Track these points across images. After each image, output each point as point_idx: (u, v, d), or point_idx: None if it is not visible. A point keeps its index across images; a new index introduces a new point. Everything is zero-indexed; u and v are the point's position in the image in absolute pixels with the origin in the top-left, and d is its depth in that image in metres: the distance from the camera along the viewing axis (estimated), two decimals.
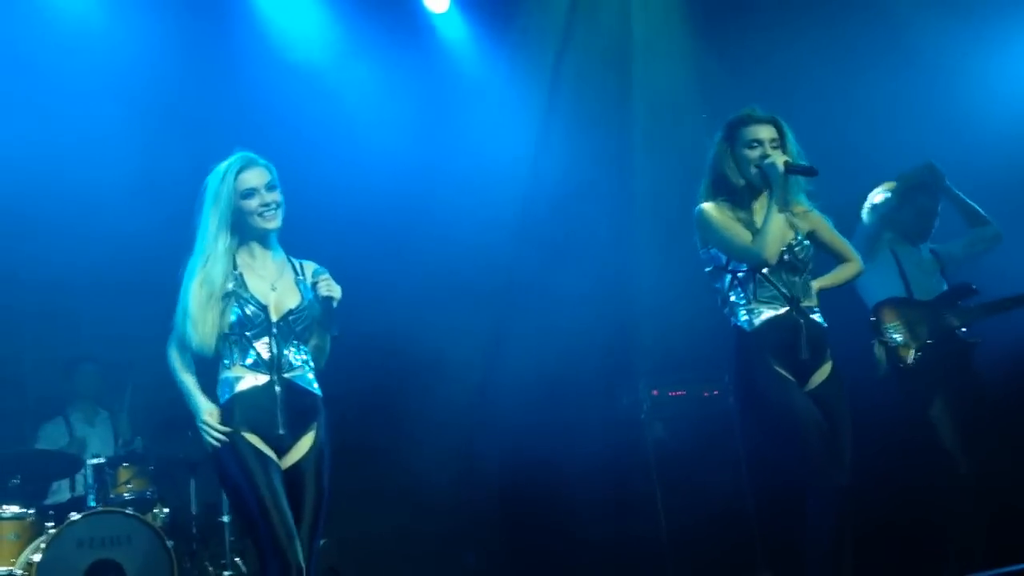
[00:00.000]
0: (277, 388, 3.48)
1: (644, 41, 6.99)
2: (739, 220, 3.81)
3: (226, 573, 5.64)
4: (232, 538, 5.67)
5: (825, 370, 3.81)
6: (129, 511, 5.38)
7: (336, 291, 3.54)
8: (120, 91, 5.93)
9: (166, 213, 5.62)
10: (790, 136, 3.84)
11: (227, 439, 3.41)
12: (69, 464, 5.78)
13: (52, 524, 5.29)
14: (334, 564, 5.84)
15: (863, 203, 5.26)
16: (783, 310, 3.75)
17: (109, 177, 5.90)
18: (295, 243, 3.77)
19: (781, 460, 3.71)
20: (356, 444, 5.46)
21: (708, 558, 5.95)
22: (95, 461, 5.56)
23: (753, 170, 3.80)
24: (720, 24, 6.69)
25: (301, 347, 3.57)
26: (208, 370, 3.58)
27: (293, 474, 3.47)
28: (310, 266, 3.68)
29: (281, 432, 3.46)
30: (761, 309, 3.76)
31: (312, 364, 3.61)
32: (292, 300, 3.57)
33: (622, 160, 6.91)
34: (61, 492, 6.02)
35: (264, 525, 3.31)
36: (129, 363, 6.11)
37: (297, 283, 3.61)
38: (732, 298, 3.83)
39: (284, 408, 3.46)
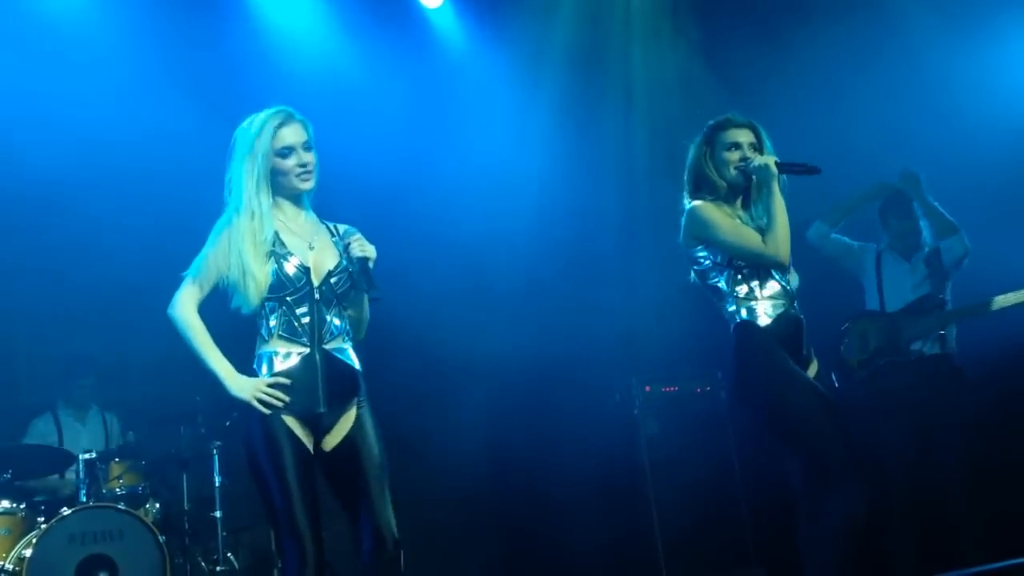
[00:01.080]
0: (317, 358, 3.29)
1: (642, 39, 6.99)
2: (739, 219, 3.80)
3: (219, 568, 5.64)
4: (225, 533, 5.67)
5: (814, 367, 3.81)
6: (121, 506, 5.35)
7: (371, 251, 3.35)
8: (114, 90, 5.90)
9: (163, 211, 5.66)
10: (767, 142, 3.84)
11: (267, 413, 3.21)
12: (60, 459, 5.75)
13: (43, 519, 5.27)
14: (328, 558, 5.83)
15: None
16: (785, 307, 3.74)
17: (105, 175, 5.88)
18: None
19: (813, 453, 3.58)
20: None
21: (701, 553, 5.99)
22: (87, 456, 5.52)
23: (733, 172, 3.79)
24: (719, 22, 6.71)
25: (343, 314, 3.37)
26: (229, 346, 3.40)
27: (343, 449, 3.30)
28: (343, 228, 3.49)
29: (321, 410, 3.27)
30: (768, 305, 3.72)
31: (351, 334, 3.41)
32: (331, 260, 3.37)
33: (619, 159, 6.91)
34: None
35: (285, 510, 3.17)
36: (123, 359, 6.10)
37: (334, 243, 3.42)
38: (736, 294, 3.75)
39: (325, 382, 3.28)
